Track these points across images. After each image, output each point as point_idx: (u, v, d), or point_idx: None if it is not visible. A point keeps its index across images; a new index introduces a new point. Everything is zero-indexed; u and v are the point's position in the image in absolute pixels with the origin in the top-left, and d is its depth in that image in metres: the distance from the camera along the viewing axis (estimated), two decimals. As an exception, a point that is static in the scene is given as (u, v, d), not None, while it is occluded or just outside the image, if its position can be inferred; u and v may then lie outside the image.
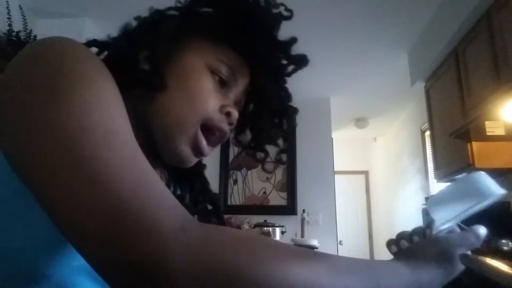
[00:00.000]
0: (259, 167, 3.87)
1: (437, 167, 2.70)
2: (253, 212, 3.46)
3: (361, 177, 5.94)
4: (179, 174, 0.63)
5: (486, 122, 1.96)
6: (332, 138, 3.89)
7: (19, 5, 2.39)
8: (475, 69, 2.06)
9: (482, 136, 2.04)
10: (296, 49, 0.56)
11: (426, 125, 3.23)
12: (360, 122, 4.70)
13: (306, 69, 0.63)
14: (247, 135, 0.61)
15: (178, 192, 0.63)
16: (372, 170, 5.87)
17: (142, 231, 0.29)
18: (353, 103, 4.15)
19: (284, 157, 0.62)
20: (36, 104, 0.33)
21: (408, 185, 4.35)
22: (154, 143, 0.51)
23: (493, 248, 1.71)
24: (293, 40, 0.56)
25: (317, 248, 2.84)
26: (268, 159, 0.61)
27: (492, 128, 1.97)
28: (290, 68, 0.57)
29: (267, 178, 3.70)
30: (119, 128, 0.34)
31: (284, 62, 0.56)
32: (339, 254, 3.95)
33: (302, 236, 3.13)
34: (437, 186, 3.35)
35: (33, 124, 0.32)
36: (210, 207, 0.63)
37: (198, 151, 0.52)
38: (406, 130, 4.47)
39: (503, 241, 1.70)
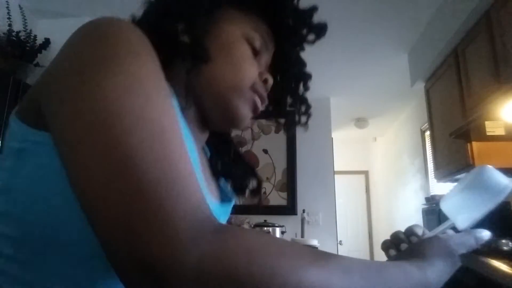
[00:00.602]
0: (259, 167, 3.87)
1: (437, 167, 2.70)
2: (253, 212, 3.46)
3: (361, 177, 5.94)
4: (217, 146, 0.65)
5: (486, 122, 1.96)
6: (332, 138, 3.89)
7: (19, 5, 2.39)
8: (475, 69, 2.06)
9: (482, 136, 2.04)
10: (316, 18, 0.59)
11: (426, 125, 3.23)
12: (360, 122, 4.70)
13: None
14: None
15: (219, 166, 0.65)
16: (372, 170, 5.87)
17: (158, 231, 0.28)
18: (353, 103, 4.15)
19: (303, 119, 0.64)
20: (73, 88, 0.34)
21: (408, 185, 4.35)
22: (204, 113, 0.53)
23: (493, 248, 1.70)
24: (314, 9, 0.59)
25: (317, 248, 2.84)
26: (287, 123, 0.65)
27: (492, 128, 1.97)
28: (311, 36, 0.59)
29: (267, 178, 3.70)
30: (154, 114, 0.33)
31: (306, 30, 0.59)
32: (339, 254, 3.93)
33: (302, 236, 3.13)
34: (437, 186, 3.35)
35: (68, 107, 0.33)
36: (245, 168, 0.66)
37: (255, 111, 0.55)
38: (406, 130, 4.47)
39: (503, 241, 1.70)
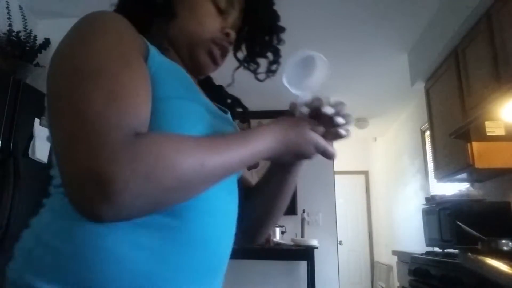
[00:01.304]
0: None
1: (437, 167, 2.70)
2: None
3: (361, 177, 5.95)
4: (203, 85, 0.76)
5: (486, 122, 1.97)
6: (332, 138, 3.88)
7: (19, 5, 2.39)
8: (475, 69, 2.06)
9: (482, 136, 2.04)
10: None
11: (426, 125, 3.23)
12: (360, 122, 4.70)
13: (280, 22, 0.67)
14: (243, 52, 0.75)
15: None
16: (372, 170, 5.87)
17: (97, 145, 0.39)
18: (353, 103, 4.15)
19: (274, 67, 0.75)
20: (60, 55, 0.48)
21: (408, 185, 4.35)
22: (182, 60, 0.65)
23: (493, 248, 1.71)
24: None
25: (317, 248, 2.84)
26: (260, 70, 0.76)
27: (492, 128, 1.97)
28: None
29: (267, 178, 3.70)
30: (112, 70, 0.45)
31: None
32: (339, 254, 3.95)
33: (302, 236, 3.14)
34: (437, 186, 3.35)
35: (53, 65, 0.47)
36: (231, 100, 0.79)
37: (214, 60, 0.67)
38: (406, 130, 4.47)
39: (503, 241, 1.70)
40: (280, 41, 0.73)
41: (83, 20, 0.50)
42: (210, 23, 0.64)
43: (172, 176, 0.41)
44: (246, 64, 0.75)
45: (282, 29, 0.72)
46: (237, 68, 0.74)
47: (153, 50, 0.54)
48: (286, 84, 0.62)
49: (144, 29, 0.59)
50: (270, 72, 0.75)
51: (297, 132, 0.57)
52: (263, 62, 0.74)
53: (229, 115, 0.73)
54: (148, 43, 0.54)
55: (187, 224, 0.51)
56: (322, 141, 0.58)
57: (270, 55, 0.74)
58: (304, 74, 0.63)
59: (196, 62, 0.65)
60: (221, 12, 0.66)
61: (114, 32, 0.48)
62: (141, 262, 0.46)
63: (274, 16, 0.72)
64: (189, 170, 0.43)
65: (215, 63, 0.68)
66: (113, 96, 0.42)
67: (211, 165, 0.45)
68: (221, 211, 0.57)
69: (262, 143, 0.53)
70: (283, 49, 0.74)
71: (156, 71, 0.52)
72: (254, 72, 0.75)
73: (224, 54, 0.68)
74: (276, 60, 0.74)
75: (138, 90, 0.46)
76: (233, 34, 0.67)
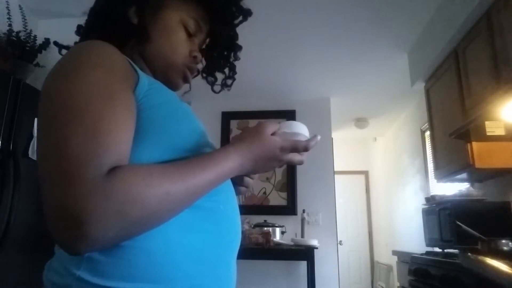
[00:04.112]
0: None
1: (437, 167, 2.70)
2: (253, 212, 3.46)
3: (361, 177, 5.94)
4: None
5: (486, 122, 1.96)
6: (332, 138, 3.89)
7: (19, 5, 2.39)
8: (475, 69, 2.06)
9: (482, 136, 2.04)
10: (245, 4, 0.76)
11: (426, 125, 3.23)
12: (360, 122, 4.69)
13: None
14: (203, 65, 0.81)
15: None
16: (372, 170, 5.87)
17: (72, 185, 0.41)
18: (353, 103, 4.15)
19: (229, 82, 0.82)
20: (46, 86, 0.51)
21: (408, 185, 4.35)
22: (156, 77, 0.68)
23: (493, 248, 1.71)
24: None
25: (317, 248, 2.84)
26: (217, 83, 0.83)
27: (492, 128, 1.97)
28: (239, 18, 0.76)
29: (267, 178, 3.70)
30: (89, 106, 0.46)
31: (234, 13, 0.75)
32: (339, 254, 3.95)
33: (302, 236, 3.13)
34: (437, 186, 3.35)
35: (42, 97, 0.50)
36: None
37: (185, 79, 0.73)
38: (406, 130, 4.47)
39: (503, 241, 1.70)
40: (236, 58, 0.81)
41: (74, 51, 0.54)
42: (181, 49, 0.70)
43: (141, 210, 0.44)
44: (204, 75, 0.82)
45: (240, 47, 0.80)
46: (196, 75, 0.79)
47: (143, 77, 0.57)
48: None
49: (118, 46, 0.60)
50: (225, 86, 0.82)
51: (261, 146, 0.59)
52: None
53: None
54: (138, 70, 0.57)
55: (220, 205, 0.59)
56: (287, 157, 0.63)
57: (226, 70, 0.81)
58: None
59: (170, 83, 0.70)
60: (190, 35, 0.71)
61: (102, 66, 0.51)
62: (198, 244, 0.54)
63: (235, 36, 0.79)
64: (156, 202, 0.46)
65: (186, 82, 0.75)
66: (93, 136, 0.44)
67: (177, 194, 0.48)
68: (232, 192, 0.66)
69: (229, 163, 0.55)
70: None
71: (148, 90, 0.56)
72: (212, 84, 0.83)
73: (192, 74, 0.75)
74: (231, 75, 0.82)
75: (119, 126, 0.48)
76: (199, 56, 0.73)
